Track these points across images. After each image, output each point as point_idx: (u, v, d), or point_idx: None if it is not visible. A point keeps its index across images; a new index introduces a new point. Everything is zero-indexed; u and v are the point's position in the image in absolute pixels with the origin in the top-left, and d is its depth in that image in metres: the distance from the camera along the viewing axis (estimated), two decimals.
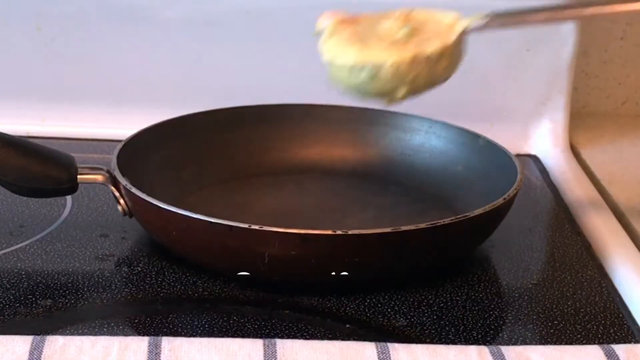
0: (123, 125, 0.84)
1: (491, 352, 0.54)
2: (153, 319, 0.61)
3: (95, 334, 0.58)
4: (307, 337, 0.59)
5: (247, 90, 0.93)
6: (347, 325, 0.62)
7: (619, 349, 0.55)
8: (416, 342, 0.56)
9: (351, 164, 0.83)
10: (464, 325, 0.62)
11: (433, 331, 0.61)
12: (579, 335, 0.61)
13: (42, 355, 0.52)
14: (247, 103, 0.85)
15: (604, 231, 0.75)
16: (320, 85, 0.90)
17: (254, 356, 0.53)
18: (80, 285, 0.65)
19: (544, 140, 0.95)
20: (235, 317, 0.62)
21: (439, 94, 0.91)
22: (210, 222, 0.63)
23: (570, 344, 0.60)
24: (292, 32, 0.93)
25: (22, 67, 0.94)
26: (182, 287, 0.65)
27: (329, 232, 0.64)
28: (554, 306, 0.65)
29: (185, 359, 0.52)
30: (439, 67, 0.67)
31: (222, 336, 0.56)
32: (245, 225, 0.63)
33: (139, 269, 0.67)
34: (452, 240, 0.66)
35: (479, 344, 0.56)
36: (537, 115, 0.95)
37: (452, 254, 0.68)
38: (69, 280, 0.65)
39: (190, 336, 0.54)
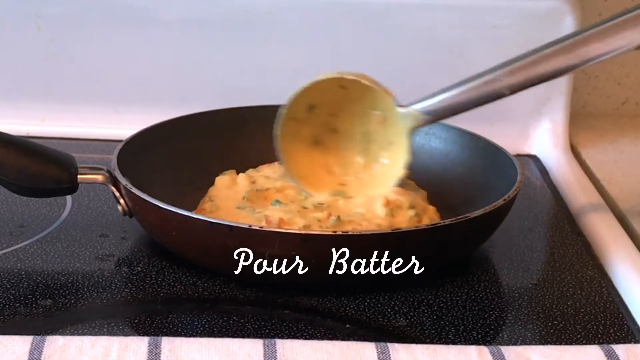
0: (123, 125, 0.84)
1: (491, 352, 0.54)
2: (153, 319, 0.61)
3: (95, 334, 0.58)
4: (307, 337, 0.59)
5: (247, 90, 0.93)
6: (347, 325, 0.62)
7: (619, 349, 0.55)
8: (416, 342, 0.56)
9: None
10: (464, 325, 0.62)
11: (433, 331, 0.61)
12: (579, 335, 0.61)
13: (42, 355, 0.52)
14: (247, 103, 0.85)
15: (604, 231, 0.75)
16: None
17: (254, 356, 0.52)
18: (80, 285, 0.65)
19: (544, 140, 0.95)
20: (235, 317, 0.62)
21: None
22: (210, 222, 0.63)
23: (570, 344, 0.60)
24: (292, 32, 0.93)
25: (22, 67, 0.94)
26: (182, 287, 0.65)
27: (329, 232, 0.64)
28: (554, 306, 0.65)
29: (185, 359, 0.52)
30: None
31: (222, 336, 0.56)
32: (246, 226, 0.63)
33: (139, 269, 0.67)
34: (452, 241, 0.66)
35: (479, 344, 0.56)
36: (537, 115, 0.95)
37: (452, 254, 0.68)
38: (69, 280, 0.65)
39: (190, 336, 0.54)
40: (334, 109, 0.75)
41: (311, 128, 0.76)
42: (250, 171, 0.78)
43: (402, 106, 0.72)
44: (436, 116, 0.72)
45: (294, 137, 0.75)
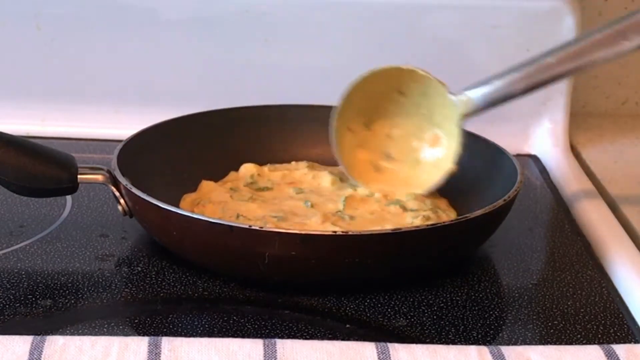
0: (123, 125, 0.84)
1: (491, 352, 0.54)
2: (153, 319, 0.61)
3: (95, 334, 0.58)
4: (307, 337, 0.59)
5: (247, 90, 0.93)
6: (347, 325, 0.62)
7: (619, 349, 0.55)
8: (416, 342, 0.56)
9: None
10: (464, 325, 0.62)
11: (433, 331, 0.61)
12: (579, 335, 0.61)
13: (42, 355, 0.52)
14: (247, 103, 0.85)
15: (604, 231, 0.75)
16: (320, 85, 0.90)
17: (254, 356, 0.52)
18: (80, 285, 0.65)
19: (544, 140, 0.95)
20: (235, 317, 0.62)
21: None
22: (210, 222, 0.63)
23: (570, 344, 0.60)
24: (292, 32, 0.93)
25: (22, 67, 0.94)
26: (182, 287, 0.65)
27: (329, 232, 0.64)
28: (554, 306, 0.65)
29: (185, 359, 0.52)
30: None
31: (222, 336, 0.56)
32: (246, 226, 0.63)
33: (139, 269, 0.67)
34: (452, 241, 0.66)
35: (479, 344, 0.56)
36: (537, 115, 0.95)
37: (453, 254, 0.68)
38: (69, 280, 0.65)
39: (190, 336, 0.54)
40: (390, 127, 0.78)
41: (368, 153, 0.78)
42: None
43: (453, 93, 0.74)
44: (488, 101, 0.73)
45: (348, 146, 0.78)
